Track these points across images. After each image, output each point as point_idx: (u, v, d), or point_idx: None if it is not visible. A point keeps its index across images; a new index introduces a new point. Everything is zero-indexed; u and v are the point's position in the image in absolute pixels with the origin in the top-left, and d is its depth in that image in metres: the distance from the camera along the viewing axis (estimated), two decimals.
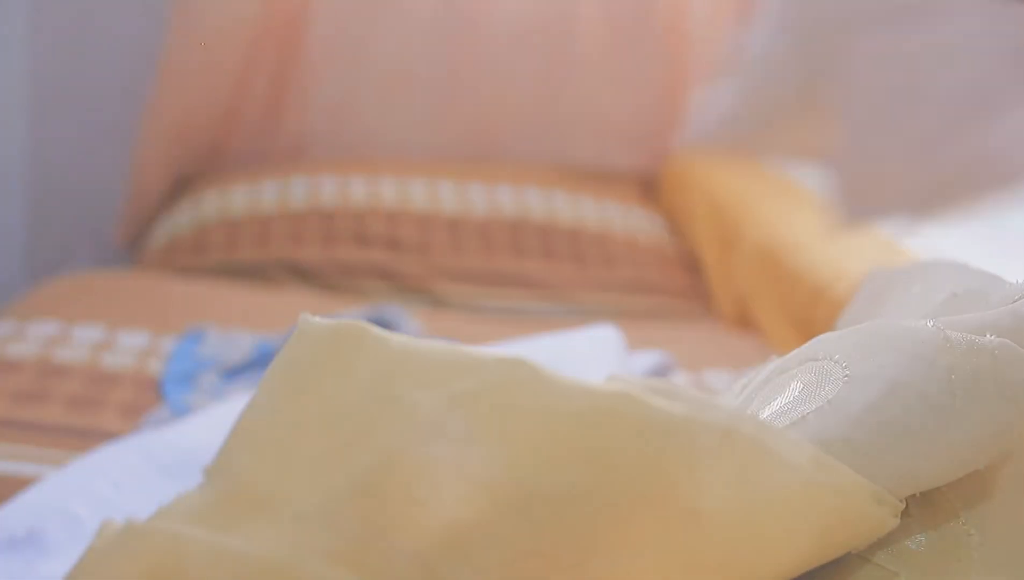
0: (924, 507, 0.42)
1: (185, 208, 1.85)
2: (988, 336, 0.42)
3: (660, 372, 1.16)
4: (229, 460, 0.35)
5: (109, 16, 2.00)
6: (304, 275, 1.71)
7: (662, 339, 1.54)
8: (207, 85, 1.96)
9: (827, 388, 0.42)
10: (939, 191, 0.82)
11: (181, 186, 1.96)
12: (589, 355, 1.06)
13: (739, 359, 1.45)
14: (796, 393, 0.43)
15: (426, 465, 0.33)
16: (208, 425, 0.94)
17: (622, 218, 1.88)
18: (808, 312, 1.44)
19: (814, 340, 0.47)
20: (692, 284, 1.79)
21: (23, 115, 2.01)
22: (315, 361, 0.35)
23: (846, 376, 0.42)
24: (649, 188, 2.05)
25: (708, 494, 0.35)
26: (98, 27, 2.00)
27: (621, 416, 0.34)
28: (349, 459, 0.34)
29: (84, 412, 1.17)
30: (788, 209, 1.71)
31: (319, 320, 0.36)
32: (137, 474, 0.82)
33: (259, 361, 1.30)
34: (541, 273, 1.74)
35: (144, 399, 1.21)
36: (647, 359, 1.15)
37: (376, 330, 0.35)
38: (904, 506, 0.40)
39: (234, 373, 1.28)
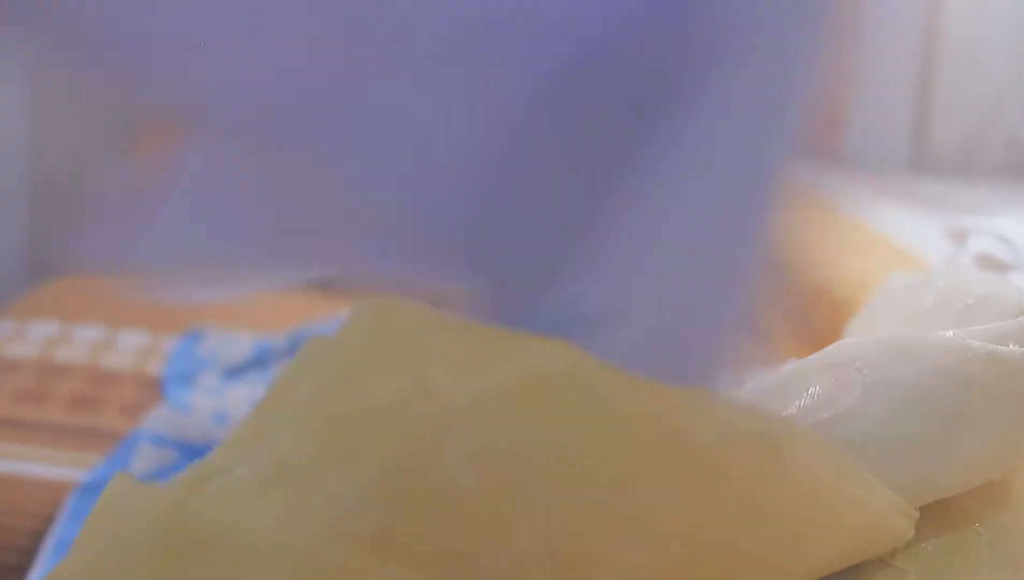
0: (933, 504, 0.42)
1: None
2: (1010, 346, 0.42)
3: None
4: (277, 443, 0.35)
5: None
6: None
7: None
8: None
9: (846, 394, 0.42)
10: None
11: None
12: None
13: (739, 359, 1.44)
14: (814, 398, 0.43)
15: (462, 441, 0.33)
16: None
17: None
18: (808, 313, 1.44)
19: (834, 346, 0.47)
20: None
21: (24, 114, 2.01)
22: (358, 342, 0.35)
23: (865, 383, 0.42)
24: None
25: (733, 495, 0.35)
26: None
27: (640, 397, 0.34)
28: (382, 446, 0.34)
29: (84, 412, 1.17)
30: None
31: (366, 302, 0.36)
32: None
33: (259, 361, 1.30)
34: None
35: (144, 399, 1.21)
36: None
37: (416, 311, 0.35)
38: (919, 515, 0.40)
39: (234, 373, 1.28)
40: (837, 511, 0.37)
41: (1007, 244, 1.37)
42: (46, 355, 1.29)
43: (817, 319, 1.45)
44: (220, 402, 1.18)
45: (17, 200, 2.04)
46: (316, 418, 0.35)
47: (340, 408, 0.35)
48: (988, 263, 1.33)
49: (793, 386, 0.46)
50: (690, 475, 0.35)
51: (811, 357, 0.48)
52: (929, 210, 1.71)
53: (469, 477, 0.33)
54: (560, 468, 0.33)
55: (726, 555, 0.35)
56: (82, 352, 1.31)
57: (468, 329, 0.35)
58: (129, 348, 1.34)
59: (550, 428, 0.34)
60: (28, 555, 0.99)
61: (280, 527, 0.32)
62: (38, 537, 1.00)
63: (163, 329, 1.40)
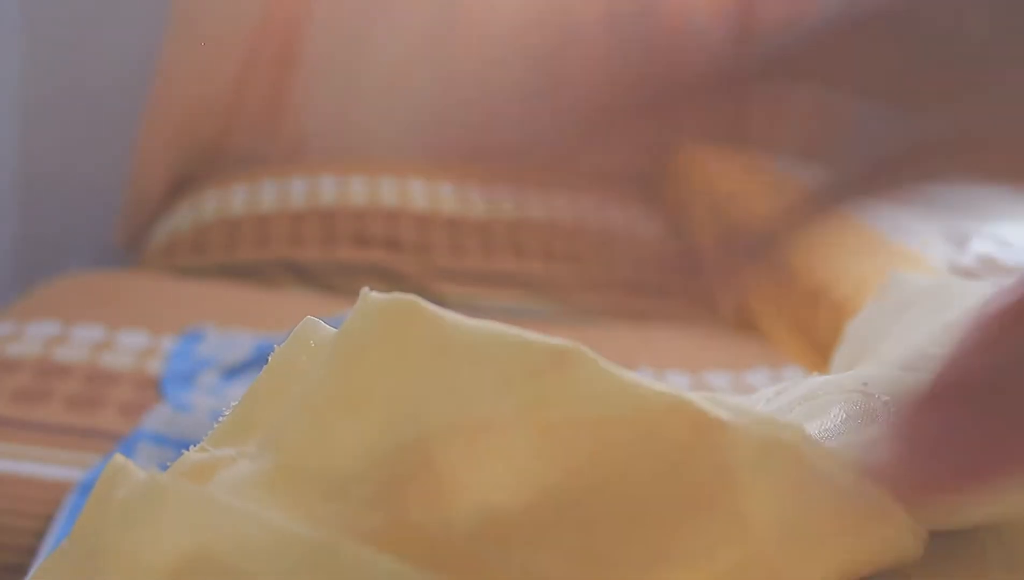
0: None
1: (185, 208, 1.85)
2: None
3: None
4: (280, 432, 0.35)
5: (105, 15, 2.00)
6: (304, 275, 1.71)
7: (662, 339, 1.54)
8: (207, 85, 1.96)
9: (871, 426, 0.42)
10: None
11: (181, 186, 1.96)
12: None
13: (739, 359, 1.45)
14: (838, 421, 0.43)
15: (472, 451, 0.33)
16: None
17: (622, 218, 1.88)
18: (808, 314, 1.44)
19: (864, 370, 0.47)
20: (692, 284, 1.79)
21: (18, 115, 2.01)
22: (369, 336, 0.35)
23: (889, 414, 0.42)
24: (649, 188, 2.05)
25: (755, 503, 0.35)
26: (94, 25, 2.00)
27: (676, 418, 0.34)
28: (395, 438, 0.34)
29: (84, 412, 1.17)
30: None
31: (376, 294, 0.36)
32: None
33: (259, 361, 1.30)
34: (541, 273, 1.74)
35: (144, 399, 1.21)
36: None
37: (429, 306, 0.35)
38: (927, 535, 0.40)
39: (234, 373, 1.28)
40: (855, 526, 0.37)
41: (1008, 247, 1.37)
42: (46, 355, 1.29)
43: (817, 319, 1.45)
44: (220, 402, 1.18)
45: (13, 200, 2.04)
46: (318, 407, 0.34)
47: (346, 400, 0.35)
48: (990, 265, 1.33)
49: (816, 402, 0.46)
50: (715, 486, 0.34)
51: (838, 377, 0.47)
52: (930, 211, 1.71)
53: (492, 488, 0.32)
54: (594, 486, 0.33)
55: (749, 561, 0.35)
56: (82, 352, 1.31)
57: (475, 326, 0.35)
58: (129, 348, 1.34)
59: (584, 445, 0.33)
60: (28, 555, 0.99)
61: (289, 521, 0.32)
62: (38, 537, 1.00)
63: (163, 329, 1.40)
